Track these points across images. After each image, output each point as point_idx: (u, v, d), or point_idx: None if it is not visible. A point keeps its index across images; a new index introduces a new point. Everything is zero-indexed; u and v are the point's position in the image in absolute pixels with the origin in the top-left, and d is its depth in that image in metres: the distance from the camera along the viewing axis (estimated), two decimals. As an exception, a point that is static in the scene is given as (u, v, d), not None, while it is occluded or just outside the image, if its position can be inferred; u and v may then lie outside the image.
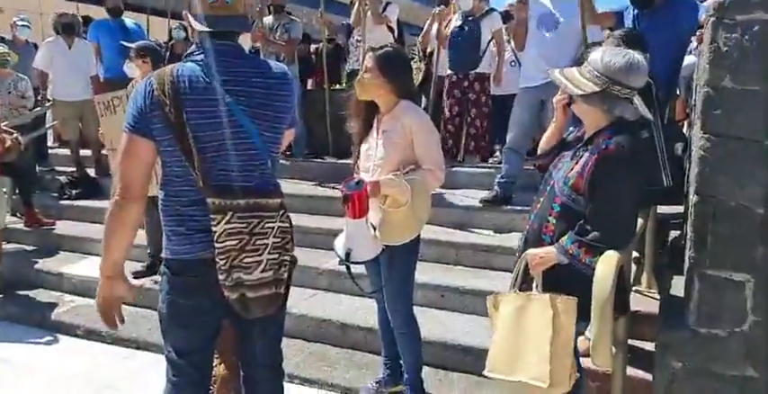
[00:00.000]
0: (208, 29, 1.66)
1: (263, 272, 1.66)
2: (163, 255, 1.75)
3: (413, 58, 5.72)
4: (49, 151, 6.53)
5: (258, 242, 1.64)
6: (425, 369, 2.83)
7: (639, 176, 1.78)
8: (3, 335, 3.56)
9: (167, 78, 1.60)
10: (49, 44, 5.71)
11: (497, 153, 5.17)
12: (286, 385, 2.77)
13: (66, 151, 6.07)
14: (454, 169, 4.78)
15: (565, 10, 3.61)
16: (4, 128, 4.40)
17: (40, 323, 3.68)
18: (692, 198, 1.91)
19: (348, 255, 2.35)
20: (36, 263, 4.41)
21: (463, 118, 4.82)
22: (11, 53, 5.36)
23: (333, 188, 4.58)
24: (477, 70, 4.75)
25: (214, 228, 1.58)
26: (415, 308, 3.22)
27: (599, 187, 1.74)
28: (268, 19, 5.45)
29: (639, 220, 2.20)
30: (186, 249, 1.67)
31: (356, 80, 2.42)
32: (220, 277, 1.61)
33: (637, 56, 1.77)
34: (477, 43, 4.70)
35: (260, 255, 1.64)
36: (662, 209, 3.04)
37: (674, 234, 3.47)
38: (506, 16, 5.26)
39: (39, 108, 5.88)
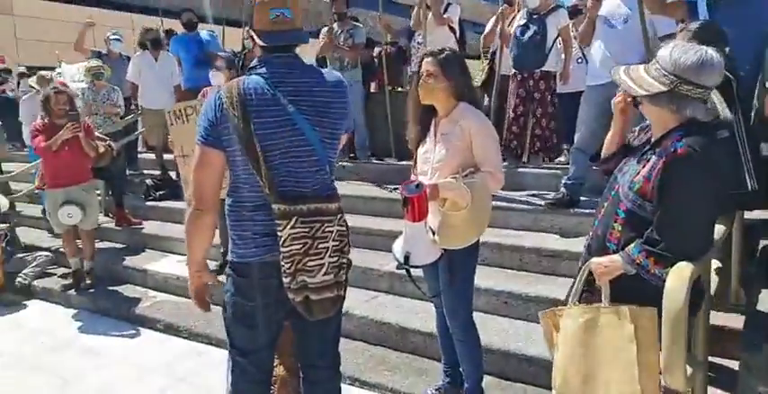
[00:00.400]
0: (270, 43, 1.75)
1: (325, 274, 1.72)
2: (228, 257, 1.84)
3: (478, 57, 5.63)
4: (138, 156, 7.02)
5: (320, 246, 1.70)
6: (486, 378, 2.77)
7: (714, 180, 1.63)
8: (92, 327, 3.89)
9: (234, 91, 1.70)
10: (138, 58, 6.18)
11: (565, 153, 4.99)
12: (346, 388, 2.85)
13: (153, 156, 6.50)
14: (520, 170, 4.68)
15: (633, 3, 3.42)
16: (99, 135, 4.80)
17: (125, 316, 3.97)
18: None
19: (407, 258, 2.35)
20: (124, 260, 4.76)
21: (528, 118, 4.68)
22: (104, 66, 5.84)
23: (393, 190, 4.61)
24: (543, 68, 4.59)
25: (279, 233, 1.65)
26: (476, 314, 3.16)
27: (668, 193, 1.61)
28: (333, 26, 5.58)
29: (722, 227, 2.04)
30: (252, 252, 1.76)
31: (419, 85, 2.40)
32: (285, 280, 1.68)
33: (710, 52, 1.63)
34: (543, 41, 4.54)
35: (322, 258, 1.71)
36: (751, 214, 2.78)
37: (764, 242, 3.18)
38: (574, 12, 5.07)
39: (130, 116, 6.36)
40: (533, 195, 4.23)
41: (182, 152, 3.94)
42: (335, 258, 1.74)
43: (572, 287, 1.81)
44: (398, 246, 2.40)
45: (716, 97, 1.67)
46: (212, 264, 4.08)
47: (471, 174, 2.31)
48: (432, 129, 2.44)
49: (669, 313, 1.52)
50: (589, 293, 1.83)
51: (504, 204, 4.09)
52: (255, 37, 1.79)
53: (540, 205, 3.93)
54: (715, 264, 2.33)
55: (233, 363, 1.86)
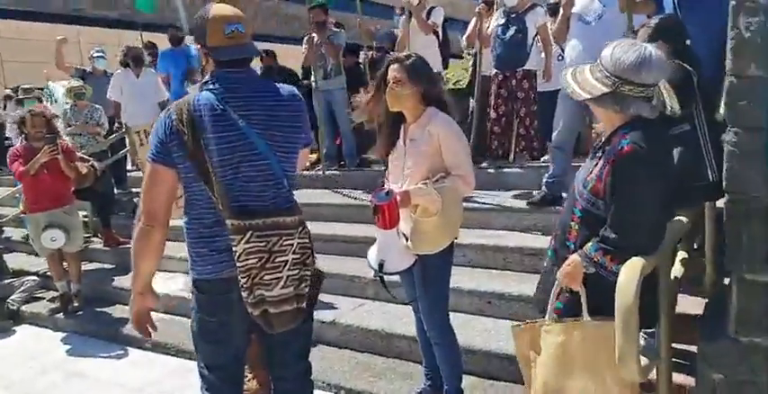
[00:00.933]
0: (226, 58, 1.76)
1: (283, 288, 1.72)
2: (189, 276, 1.85)
3: (461, 57, 5.62)
4: (128, 175, 7.02)
5: (278, 259, 1.70)
6: (470, 378, 2.80)
7: (662, 175, 1.65)
8: (80, 349, 3.89)
9: (185, 108, 1.71)
10: (118, 76, 6.20)
11: (550, 151, 5.01)
12: (331, 396, 2.85)
13: (141, 174, 6.50)
14: (504, 170, 4.70)
15: None
16: (82, 155, 4.80)
17: (113, 337, 3.97)
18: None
19: (381, 266, 2.37)
20: (113, 280, 4.76)
21: (511, 117, 4.70)
22: (86, 86, 5.87)
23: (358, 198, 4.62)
24: (525, 67, 4.61)
25: (234, 248, 1.65)
26: (460, 315, 3.21)
27: (618, 190, 1.64)
28: (313, 35, 5.62)
29: (684, 219, 2.07)
30: (209, 269, 1.76)
31: (386, 92, 2.40)
32: (243, 294, 1.68)
33: (649, 49, 1.65)
34: (524, 40, 4.56)
35: (280, 271, 1.71)
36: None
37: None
38: (554, 10, 5.10)
39: (113, 135, 6.36)
40: (517, 195, 4.26)
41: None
42: (296, 271, 1.74)
43: (537, 295, 1.81)
44: (373, 254, 2.43)
45: (665, 91, 1.69)
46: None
47: (442, 179, 2.33)
48: (401, 135, 2.46)
49: (620, 307, 1.54)
50: (569, 294, 1.83)
51: (488, 205, 4.12)
52: (208, 53, 1.78)
53: (524, 205, 3.95)
54: (682, 254, 2.36)
55: (202, 379, 1.87)
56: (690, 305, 2.62)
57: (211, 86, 1.77)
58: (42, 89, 8.77)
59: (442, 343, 2.46)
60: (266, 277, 1.69)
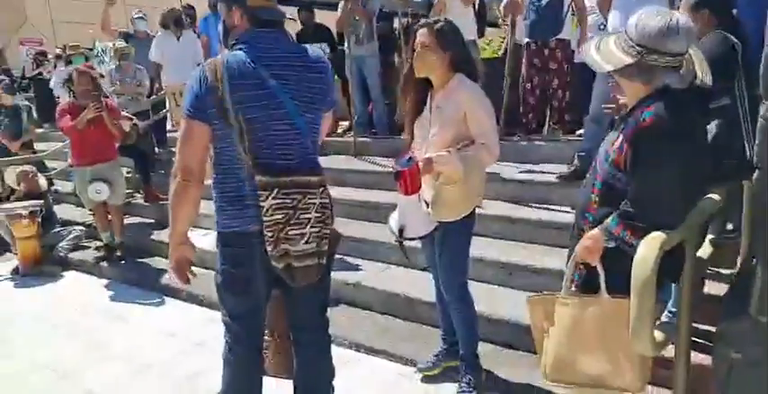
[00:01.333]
0: (264, 18, 1.81)
1: (306, 243, 1.79)
2: (216, 229, 1.93)
3: (496, 25, 5.45)
4: (168, 135, 7.22)
5: (302, 216, 1.77)
6: (489, 346, 2.86)
7: (687, 148, 1.58)
8: (121, 296, 4.15)
9: (219, 66, 1.75)
10: (159, 38, 6.30)
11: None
12: (353, 354, 2.98)
13: (182, 134, 6.67)
14: (537, 143, 4.62)
15: None
16: (125, 114, 4.98)
17: (151, 286, 4.20)
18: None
19: (401, 231, 2.41)
20: (152, 234, 5.00)
21: (545, 89, 4.57)
22: (129, 47, 6.01)
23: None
24: (559, 37, 4.45)
25: (262, 203, 1.72)
26: (482, 285, 3.24)
27: (639, 163, 1.60)
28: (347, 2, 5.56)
29: (715, 197, 2.01)
30: (237, 223, 1.84)
31: (414, 57, 2.38)
32: (268, 248, 1.76)
33: (676, 16, 1.57)
34: (560, 7, 4.39)
35: (303, 228, 1.78)
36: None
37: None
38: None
39: (155, 96, 6.53)
40: (548, 169, 4.18)
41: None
42: (317, 228, 1.81)
43: (569, 276, 1.80)
44: (394, 219, 2.46)
45: (696, 60, 1.62)
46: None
47: (466, 147, 2.32)
48: (428, 102, 2.45)
49: (636, 281, 1.52)
50: (585, 271, 1.80)
51: (518, 178, 4.08)
52: (244, 13, 1.82)
53: (553, 179, 3.90)
54: (712, 236, 2.30)
55: (225, 328, 1.97)
56: (720, 287, 2.58)
57: (243, 46, 1.81)
58: (92, 49, 9.03)
59: (459, 308, 2.51)
60: (291, 232, 1.76)
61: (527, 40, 4.59)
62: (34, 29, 16.39)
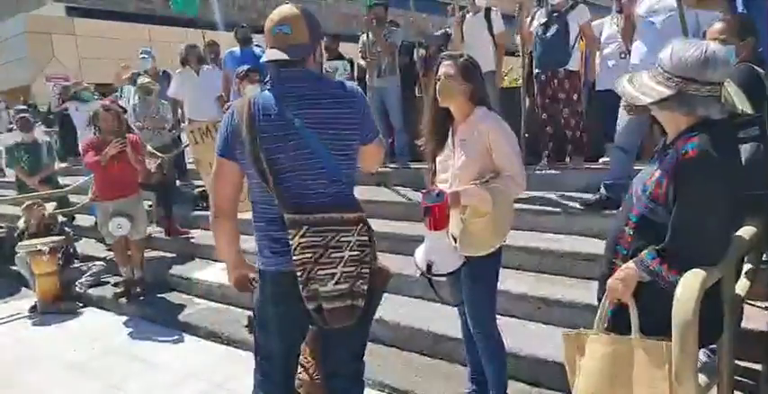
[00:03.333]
0: (268, 59, 1.81)
1: (336, 284, 1.73)
2: (256, 266, 1.92)
3: (513, 54, 5.50)
4: (188, 167, 7.31)
5: (333, 255, 1.72)
6: (517, 384, 2.75)
7: (730, 182, 1.55)
8: (140, 333, 4.09)
9: (245, 107, 1.77)
10: (180, 74, 6.45)
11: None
12: (376, 393, 2.87)
13: (202, 167, 6.75)
14: (558, 172, 4.57)
15: None
16: (153, 151, 5.05)
17: (171, 323, 4.14)
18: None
19: (429, 267, 2.35)
20: (172, 268, 4.98)
21: (559, 118, 4.58)
22: (154, 82, 6.14)
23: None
24: (567, 67, 4.47)
25: (291, 242, 1.69)
26: (510, 320, 3.15)
27: (681, 197, 1.55)
28: (365, 37, 5.68)
29: (752, 229, 1.94)
30: (273, 262, 1.82)
31: (437, 87, 2.37)
32: (300, 287, 1.72)
33: (712, 46, 1.55)
34: (565, 39, 4.43)
35: (335, 267, 1.72)
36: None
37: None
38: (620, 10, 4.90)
39: (175, 130, 6.64)
40: (571, 198, 4.13)
41: (209, 170, 4.06)
42: (352, 268, 1.74)
43: (600, 314, 1.74)
44: (420, 255, 2.40)
45: (732, 91, 1.59)
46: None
47: (492, 180, 2.29)
48: (450, 136, 2.43)
49: (679, 321, 1.45)
50: (618, 307, 1.75)
51: (540, 207, 4.02)
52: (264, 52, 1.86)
53: (578, 207, 3.83)
54: (748, 267, 2.21)
55: (256, 366, 1.94)
56: (754, 320, 2.47)
57: (269, 86, 1.84)
58: (117, 90, 9.25)
59: (488, 346, 2.42)
60: (320, 272, 1.71)
61: (536, 70, 4.60)
62: (61, 65, 16.95)
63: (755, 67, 2.18)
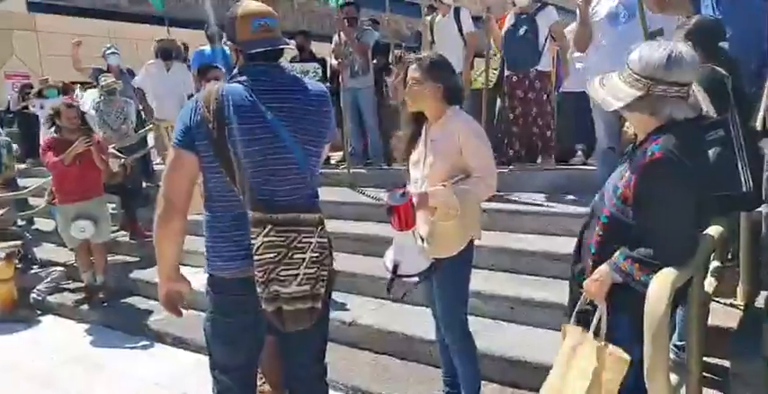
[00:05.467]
0: (253, 50, 1.76)
1: (299, 285, 1.68)
2: (205, 272, 1.83)
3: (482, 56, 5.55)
4: (155, 168, 7.12)
5: (296, 256, 1.67)
6: (491, 386, 2.75)
7: (695, 182, 1.56)
8: (103, 341, 3.94)
9: (212, 97, 1.70)
10: (149, 66, 6.24)
11: (579, 153, 4.90)
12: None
13: (168, 167, 6.57)
14: (529, 172, 4.60)
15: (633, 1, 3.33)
16: (114, 152, 4.88)
17: (136, 330, 4.01)
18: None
19: (396, 267, 2.32)
20: (137, 273, 4.81)
21: (529, 119, 4.61)
22: (118, 82, 5.95)
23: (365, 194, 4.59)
24: (538, 68, 4.51)
25: (253, 241, 1.63)
26: (483, 320, 3.14)
27: (647, 198, 1.56)
28: (339, 37, 5.61)
29: (718, 229, 1.97)
30: (227, 265, 1.74)
31: (405, 92, 2.38)
32: (258, 289, 1.65)
33: (680, 47, 1.57)
34: (534, 41, 4.46)
35: (297, 268, 1.68)
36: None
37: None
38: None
39: (143, 130, 6.44)
40: (542, 198, 4.16)
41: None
42: (313, 270, 1.70)
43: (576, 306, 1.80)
44: (389, 256, 2.38)
45: (698, 93, 1.61)
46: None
47: (462, 181, 2.27)
48: (422, 136, 2.41)
49: (650, 322, 1.47)
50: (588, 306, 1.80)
51: (512, 208, 4.04)
52: (238, 48, 1.80)
53: (551, 208, 3.84)
54: (714, 264, 2.26)
55: (214, 381, 1.85)
56: (721, 317, 2.51)
57: (240, 78, 1.76)
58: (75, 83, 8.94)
59: (460, 348, 2.41)
60: (282, 273, 1.65)
61: (507, 72, 4.63)
62: (21, 63, 16.36)
63: (716, 68, 2.22)
